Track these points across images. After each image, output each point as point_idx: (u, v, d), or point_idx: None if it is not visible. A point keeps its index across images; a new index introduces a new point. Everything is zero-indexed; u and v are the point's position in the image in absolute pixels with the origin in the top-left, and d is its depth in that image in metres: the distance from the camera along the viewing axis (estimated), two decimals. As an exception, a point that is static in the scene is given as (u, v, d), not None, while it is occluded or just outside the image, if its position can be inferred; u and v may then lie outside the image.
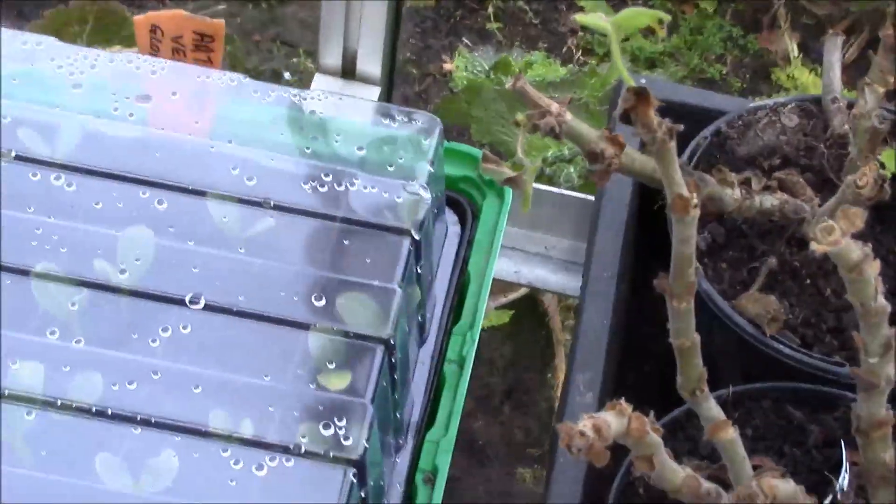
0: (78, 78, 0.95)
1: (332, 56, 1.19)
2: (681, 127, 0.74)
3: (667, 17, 0.77)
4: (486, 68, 1.78)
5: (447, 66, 2.00)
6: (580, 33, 2.03)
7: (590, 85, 1.67)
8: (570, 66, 1.89)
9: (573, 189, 1.53)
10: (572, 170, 1.57)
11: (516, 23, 2.03)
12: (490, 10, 2.02)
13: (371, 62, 1.19)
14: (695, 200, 0.73)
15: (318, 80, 1.21)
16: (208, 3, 1.92)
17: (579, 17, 0.82)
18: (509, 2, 2.03)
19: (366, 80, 1.20)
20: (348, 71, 1.20)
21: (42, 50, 0.96)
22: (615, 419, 0.69)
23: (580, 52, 2.03)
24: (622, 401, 0.70)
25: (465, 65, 1.81)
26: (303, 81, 1.90)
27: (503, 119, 1.64)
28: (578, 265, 1.13)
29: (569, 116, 0.83)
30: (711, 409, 0.78)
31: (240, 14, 1.95)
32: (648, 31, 1.91)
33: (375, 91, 1.20)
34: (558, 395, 1.59)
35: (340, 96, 0.98)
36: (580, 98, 1.65)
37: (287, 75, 1.92)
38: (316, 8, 1.22)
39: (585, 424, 0.67)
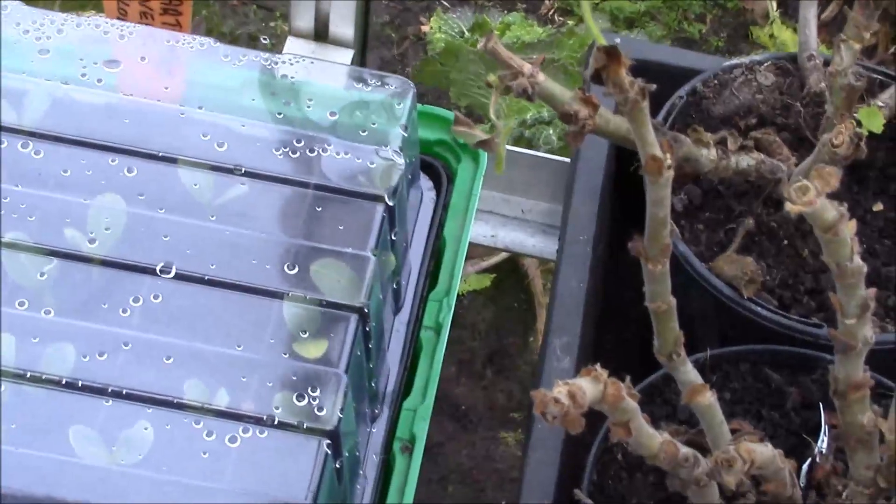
0: (45, 43, 0.93)
1: (304, 19, 1.17)
2: (653, 86, 0.72)
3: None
4: (464, 30, 1.76)
5: (425, 29, 1.98)
6: (559, -7, 2.02)
7: (568, 46, 1.66)
8: (548, 27, 1.87)
9: (552, 151, 1.52)
10: (551, 132, 1.56)
11: (494, -17, 2.01)
12: (468, -30, 2.00)
13: (344, 24, 1.17)
14: (668, 161, 0.72)
15: (291, 44, 1.20)
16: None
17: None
18: (487, -38, 2.01)
19: (339, 43, 1.18)
20: (321, 34, 1.19)
21: (7, 14, 0.94)
22: (590, 385, 0.68)
23: (558, 13, 2.01)
24: (597, 366, 0.69)
25: (441, 27, 1.79)
26: (279, 45, 1.88)
27: (481, 81, 1.62)
28: (555, 228, 1.12)
29: (542, 77, 0.82)
30: (689, 373, 0.77)
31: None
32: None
33: (348, 54, 1.18)
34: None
35: (312, 60, 0.96)
36: (558, 59, 1.63)
37: (264, 39, 1.90)
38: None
39: (560, 391, 0.66)
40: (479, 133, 0.85)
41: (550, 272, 1.63)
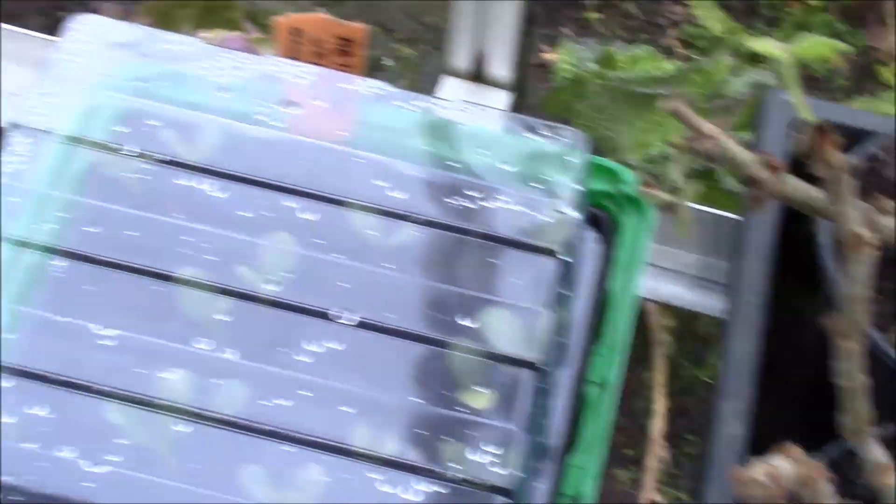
0: (221, 80, 0.94)
1: (461, 59, 1.17)
2: (857, 161, 0.72)
3: (847, 49, 0.75)
4: (590, 61, 1.75)
5: (546, 57, 1.98)
6: (682, 26, 2.01)
7: (695, 82, 1.65)
8: (676, 61, 1.86)
9: (675, 191, 1.51)
10: (675, 170, 1.54)
11: (616, 13, 2.00)
12: None
13: (500, 65, 1.17)
14: (872, 239, 0.71)
15: (446, 83, 1.20)
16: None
17: (754, 44, 0.80)
18: (610, -8, 2.00)
19: (495, 84, 1.18)
20: (477, 74, 1.19)
21: (186, 51, 0.95)
22: (788, 465, 0.67)
23: (681, 45, 2.00)
24: (793, 446, 0.68)
25: (569, 57, 1.79)
26: (402, 68, 1.89)
27: (606, 114, 1.62)
28: (710, 282, 1.11)
29: (724, 139, 0.82)
30: (875, 451, 0.76)
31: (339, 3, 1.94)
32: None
33: (505, 95, 1.18)
34: (656, 396, 1.58)
35: (483, 107, 0.97)
36: (684, 95, 1.62)
37: (388, 62, 1.91)
38: None
39: (760, 472, 0.65)
40: (665, 195, 0.84)
41: (666, 308, 1.62)
